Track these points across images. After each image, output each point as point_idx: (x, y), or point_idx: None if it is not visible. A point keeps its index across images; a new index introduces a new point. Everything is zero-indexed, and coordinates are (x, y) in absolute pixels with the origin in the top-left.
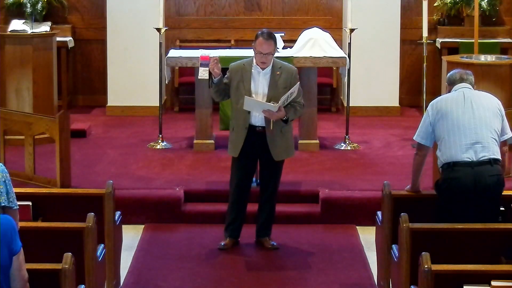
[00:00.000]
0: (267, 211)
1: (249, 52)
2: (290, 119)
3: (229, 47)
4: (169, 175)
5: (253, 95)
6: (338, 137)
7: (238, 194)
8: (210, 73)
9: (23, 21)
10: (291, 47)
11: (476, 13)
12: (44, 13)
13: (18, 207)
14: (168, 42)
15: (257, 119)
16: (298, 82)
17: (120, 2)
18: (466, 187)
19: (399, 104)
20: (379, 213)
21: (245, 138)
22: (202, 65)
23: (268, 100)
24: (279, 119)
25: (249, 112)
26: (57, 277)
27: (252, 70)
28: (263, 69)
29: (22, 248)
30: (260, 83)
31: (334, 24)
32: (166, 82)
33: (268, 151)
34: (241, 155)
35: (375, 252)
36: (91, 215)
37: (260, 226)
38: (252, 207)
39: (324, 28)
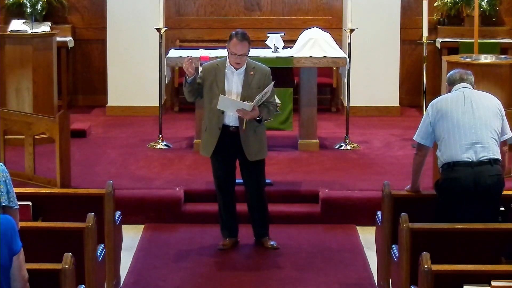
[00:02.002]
0: (259, 212)
1: (250, 52)
2: (263, 119)
3: None
4: (169, 175)
5: (227, 95)
6: (338, 137)
7: (223, 195)
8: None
9: (23, 21)
10: (291, 47)
11: (476, 13)
12: (44, 13)
13: (18, 207)
14: (168, 42)
15: (231, 119)
16: (272, 82)
17: (120, 2)
18: (466, 187)
19: (399, 104)
20: (379, 213)
21: (219, 138)
22: (202, 65)
23: (242, 100)
24: (253, 119)
25: (223, 112)
26: (57, 277)
27: (226, 70)
28: (237, 69)
29: (22, 248)
30: (234, 83)
31: (334, 24)
32: (166, 82)
33: (242, 152)
34: (216, 155)
35: (375, 252)
36: (91, 215)
37: (256, 228)
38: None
39: (324, 28)
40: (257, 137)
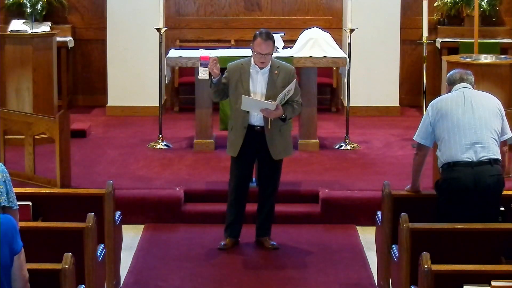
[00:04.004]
0: (267, 211)
1: (249, 52)
2: (288, 118)
3: (229, 47)
4: (169, 175)
5: (252, 95)
6: (338, 137)
7: (237, 194)
8: (210, 73)
9: (23, 21)
10: (291, 47)
11: (476, 13)
12: (44, 13)
13: (18, 207)
14: (168, 42)
15: (256, 118)
16: (295, 80)
17: (120, 2)
18: (466, 187)
19: (399, 104)
20: (379, 213)
21: (244, 138)
22: (202, 65)
23: (267, 100)
24: (277, 118)
25: (248, 112)
26: (57, 277)
27: (251, 70)
28: (261, 68)
29: (23, 248)
30: (258, 82)
31: (334, 24)
32: (166, 82)
33: (267, 151)
34: (240, 154)
35: (375, 252)
36: (91, 215)
37: (259, 226)
38: (252, 207)
39: (324, 28)
40: (282, 136)
